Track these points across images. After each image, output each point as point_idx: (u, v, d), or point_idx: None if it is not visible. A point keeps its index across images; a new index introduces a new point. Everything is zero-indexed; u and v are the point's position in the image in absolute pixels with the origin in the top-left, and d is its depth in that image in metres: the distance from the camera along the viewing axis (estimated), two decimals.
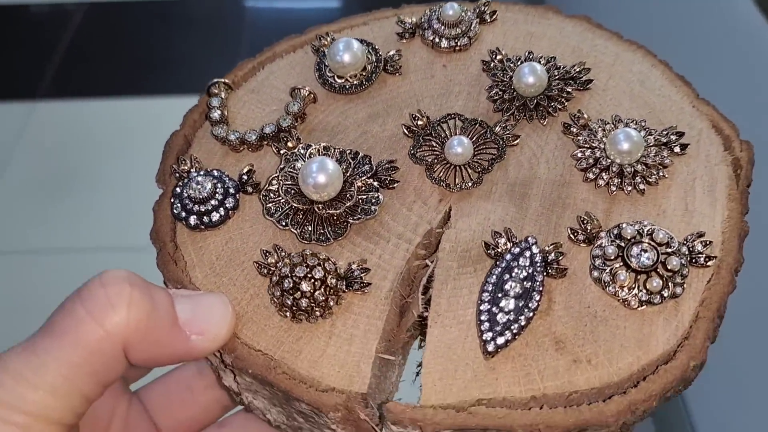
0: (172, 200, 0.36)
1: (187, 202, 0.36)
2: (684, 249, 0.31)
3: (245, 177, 0.37)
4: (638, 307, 0.31)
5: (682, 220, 0.33)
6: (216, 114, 0.39)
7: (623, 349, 0.30)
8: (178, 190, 0.36)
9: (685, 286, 0.31)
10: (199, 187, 0.36)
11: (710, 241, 0.32)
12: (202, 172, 0.37)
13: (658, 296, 0.30)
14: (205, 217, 0.36)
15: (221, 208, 0.36)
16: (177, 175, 0.37)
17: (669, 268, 0.31)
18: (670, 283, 0.31)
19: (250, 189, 0.37)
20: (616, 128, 0.35)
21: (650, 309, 0.31)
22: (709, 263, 0.32)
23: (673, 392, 0.30)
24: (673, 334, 0.30)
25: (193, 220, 0.36)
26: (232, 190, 0.36)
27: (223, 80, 0.41)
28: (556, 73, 0.38)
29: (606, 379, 0.30)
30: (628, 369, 0.30)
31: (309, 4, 1.90)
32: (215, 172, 0.37)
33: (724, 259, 0.32)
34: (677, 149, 0.35)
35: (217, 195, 0.36)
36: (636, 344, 0.30)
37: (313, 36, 0.43)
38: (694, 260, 0.32)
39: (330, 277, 0.32)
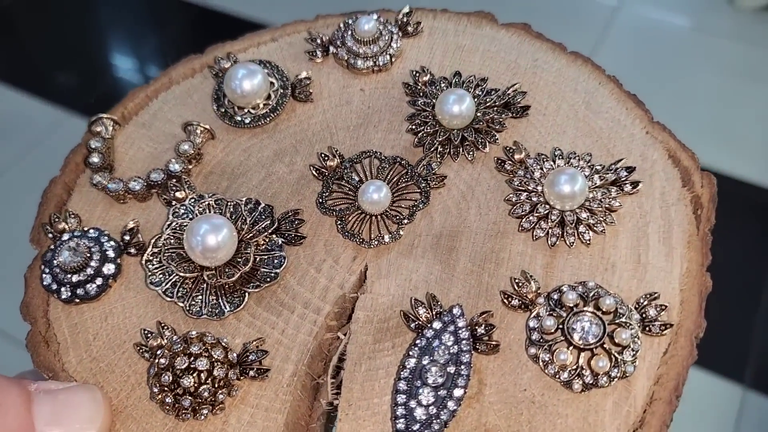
0: (42, 268, 0.31)
1: (57, 271, 0.30)
2: (635, 316, 0.27)
3: (128, 237, 0.31)
4: (582, 390, 0.26)
5: (633, 276, 0.28)
6: (96, 158, 0.34)
7: None
8: (48, 255, 0.31)
9: (637, 362, 0.26)
10: (70, 253, 0.30)
11: (665, 306, 0.27)
12: (76, 233, 0.31)
13: (606, 377, 0.26)
14: (79, 289, 0.30)
15: (98, 278, 0.30)
16: (51, 235, 0.32)
17: (617, 342, 0.26)
18: (619, 361, 0.26)
19: (133, 250, 0.31)
20: (555, 165, 0.30)
21: (597, 391, 0.26)
22: (665, 332, 0.27)
23: None
24: (624, 422, 0.26)
25: (65, 292, 0.30)
26: (111, 254, 0.31)
27: (107, 116, 0.35)
28: (488, 100, 0.32)
29: None
30: None
31: None
32: (92, 232, 0.31)
33: (683, 323, 0.27)
34: (627, 188, 0.30)
35: (92, 262, 0.30)
36: None
37: (212, 58, 0.37)
38: (647, 328, 0.27)
39: (218, 367, 0.27)
